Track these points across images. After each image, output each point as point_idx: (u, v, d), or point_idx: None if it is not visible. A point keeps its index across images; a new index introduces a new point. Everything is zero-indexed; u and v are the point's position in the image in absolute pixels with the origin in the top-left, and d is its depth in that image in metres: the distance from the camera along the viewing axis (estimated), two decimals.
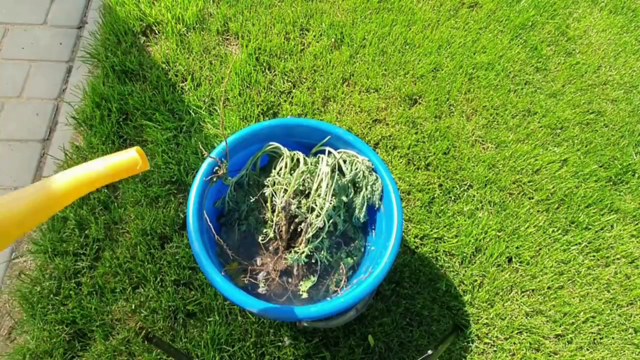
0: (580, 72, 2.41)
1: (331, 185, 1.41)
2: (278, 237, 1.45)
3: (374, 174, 1.45)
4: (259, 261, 1.46)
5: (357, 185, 1.47)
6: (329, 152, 1.51)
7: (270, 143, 1.49)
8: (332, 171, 1.44)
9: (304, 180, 1.44)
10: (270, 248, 1.47)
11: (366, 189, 1.45)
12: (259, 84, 2.18)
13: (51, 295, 1.70)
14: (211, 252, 1.35)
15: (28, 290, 1.70)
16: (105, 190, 1.89)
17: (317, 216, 1.39)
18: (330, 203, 1.39)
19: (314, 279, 1.44)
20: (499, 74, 2.34)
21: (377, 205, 1.45)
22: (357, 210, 1.47)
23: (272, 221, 1.44)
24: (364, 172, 1.44)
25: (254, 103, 2.12)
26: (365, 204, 1.46)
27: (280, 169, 1.46)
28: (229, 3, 2.43)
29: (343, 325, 1.62)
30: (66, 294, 1.70)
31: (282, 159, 1.48)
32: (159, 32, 2.33)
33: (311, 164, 1.47)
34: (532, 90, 2.33)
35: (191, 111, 2.07)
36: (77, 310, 1.66)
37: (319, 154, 1.51)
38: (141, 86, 2.14)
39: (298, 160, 1.48)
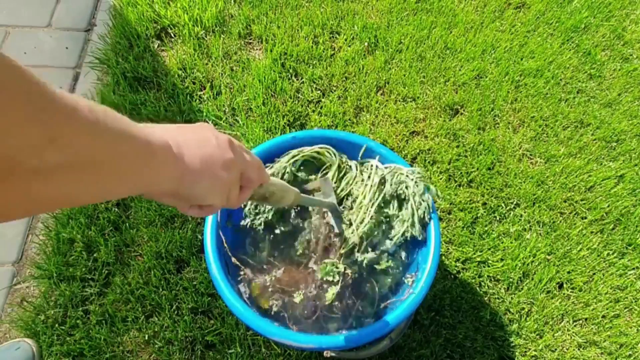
0: (638, 80, 2.49)
1: (376, 198, 1.46)
2: (312, 251, 1.49)
3: (421, 184, 1.48)
4: (284, 275, 1.48)
5: (401, 197, 1.49)
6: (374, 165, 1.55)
7: (322, 146, 1.54)
8: (381, 183, 1.49)
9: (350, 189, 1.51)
10: (302, 262, 1.51)
11: (413, 199, 1.46)
12: (285, 92, 2.29)
13: (56, 325, 1.74)
14: (232, 275, 1.41)
15: (31, 319, 1.75)
16: (116, 210, 1.96)
17: (354, 231, 1.44)
18: (371, 218, 1.44)
19: (336, 288, 1.43)
20: (549, 82, 2.43)
21: (426, 220, 1.46)
22: (404, 225, 1.47)
23: (309, 231, 1.50)
24: (407, 182, 1.48)
25: (279, 113, 2.22)
26: (416, 214, 1.45)
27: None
28: (252, 4, 2.55)
29: (376, 356, 1.68)
30: (73, 324, 1.75)
31: (330, 169, 1.53)
32: (174, 36, 2.45)
33: (359, 173, 1.53)
34: (585, 100, 2.41)
35: (210, 122, 2.16)
36: (85, 342, 1.71)
37: (365, 162, 1.57)
38: (155, 95, 2.24)
39: (349, 167, 1.54)
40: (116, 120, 0.51)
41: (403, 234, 1.47)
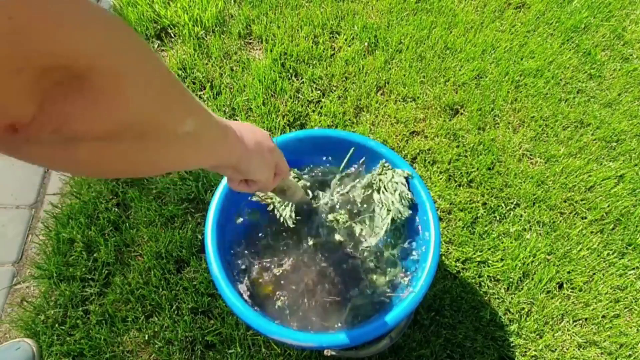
0: (637, 80, 2.49)
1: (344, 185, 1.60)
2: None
3: (389, 172, 1.55)
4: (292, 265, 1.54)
5: (374, 188, 1.58)
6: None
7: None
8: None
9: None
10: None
11: (384, 187, 1.54)
12: (285, 92, 2.30)
13: (56, 325, 1.75)
14: (234, 272, 1.44)
15: (31, 319, 1.76)
16: (116, 210, 1.97)
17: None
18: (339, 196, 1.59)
19: (338, 234, 1.57)
20: (549, 82, 2.44)
21: (408, 198, 1.51)
22: (389, 213, 1.54)
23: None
24: (379, 176, 1.56)
25: (279, 113, 2.24)
26: (390, 197, 1.53)
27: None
28: (252, 4, 2.56)
29: (376, 355, 1.69)
30: (73, 324, 1.76)
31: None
32: (174, 36, 2.46)
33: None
34: (585, 100, 2.41)
35: None
36: (85, 342, 1.71)
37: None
38: None
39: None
40: (205, 107, 0.66)
41: (393, 221, 1.53)
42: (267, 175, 0.95)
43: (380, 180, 1.56)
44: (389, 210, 1.52)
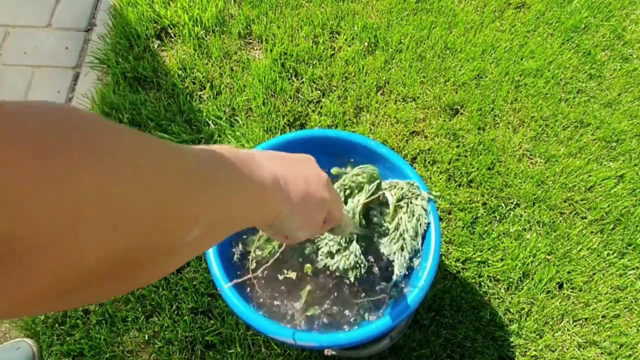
0: (638, 80, 2.49)
1: (409, 227, 1.43)
2: None
3: (424, 192, 1.45)
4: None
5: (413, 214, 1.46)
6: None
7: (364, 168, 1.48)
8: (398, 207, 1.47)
9: None
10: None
11: (412, 214, 1.43)
12: (285, 92, 2.30)
13: (56, 325, 1.75)
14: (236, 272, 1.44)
15: (31, 319, 1.77)
16: None
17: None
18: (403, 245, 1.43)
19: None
20: (549, 82, 2.44)
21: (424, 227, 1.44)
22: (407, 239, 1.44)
23: None
24: (410, 198, 1.45)
25: (279, 113, 2.24)
26: (416, 223, 1.43)
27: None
28: (252, 4, 2.56)
29: (376, 355, 1.69)
30: (73, 324, 1.76)
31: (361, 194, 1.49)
32: (174, 36, 2.46)
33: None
34: (585, 100, 2.41)
35: (210, 122, 2.18)
36: (85, 342, 1.72)
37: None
38: (155, 95, 2.25)
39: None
40: (232, 170, 0.53)
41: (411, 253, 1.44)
42: (309, 233, 0.74)
43: (411, 202, 1.45)
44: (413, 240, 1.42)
